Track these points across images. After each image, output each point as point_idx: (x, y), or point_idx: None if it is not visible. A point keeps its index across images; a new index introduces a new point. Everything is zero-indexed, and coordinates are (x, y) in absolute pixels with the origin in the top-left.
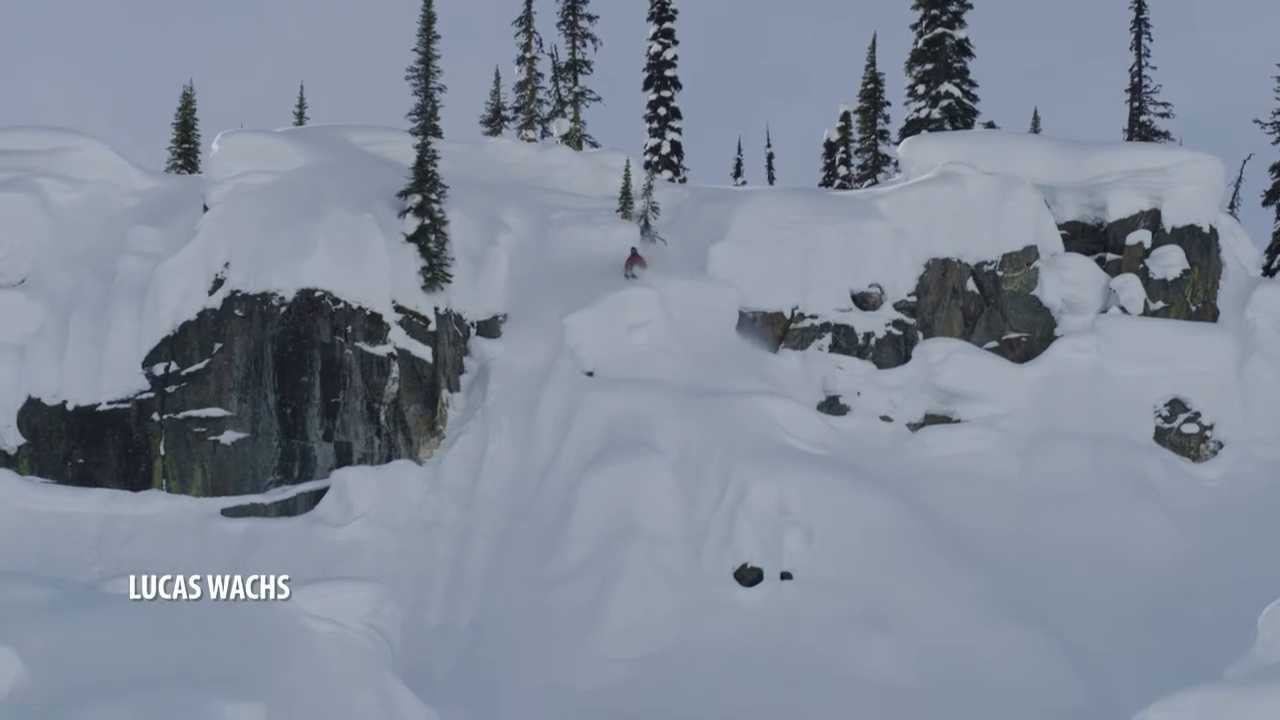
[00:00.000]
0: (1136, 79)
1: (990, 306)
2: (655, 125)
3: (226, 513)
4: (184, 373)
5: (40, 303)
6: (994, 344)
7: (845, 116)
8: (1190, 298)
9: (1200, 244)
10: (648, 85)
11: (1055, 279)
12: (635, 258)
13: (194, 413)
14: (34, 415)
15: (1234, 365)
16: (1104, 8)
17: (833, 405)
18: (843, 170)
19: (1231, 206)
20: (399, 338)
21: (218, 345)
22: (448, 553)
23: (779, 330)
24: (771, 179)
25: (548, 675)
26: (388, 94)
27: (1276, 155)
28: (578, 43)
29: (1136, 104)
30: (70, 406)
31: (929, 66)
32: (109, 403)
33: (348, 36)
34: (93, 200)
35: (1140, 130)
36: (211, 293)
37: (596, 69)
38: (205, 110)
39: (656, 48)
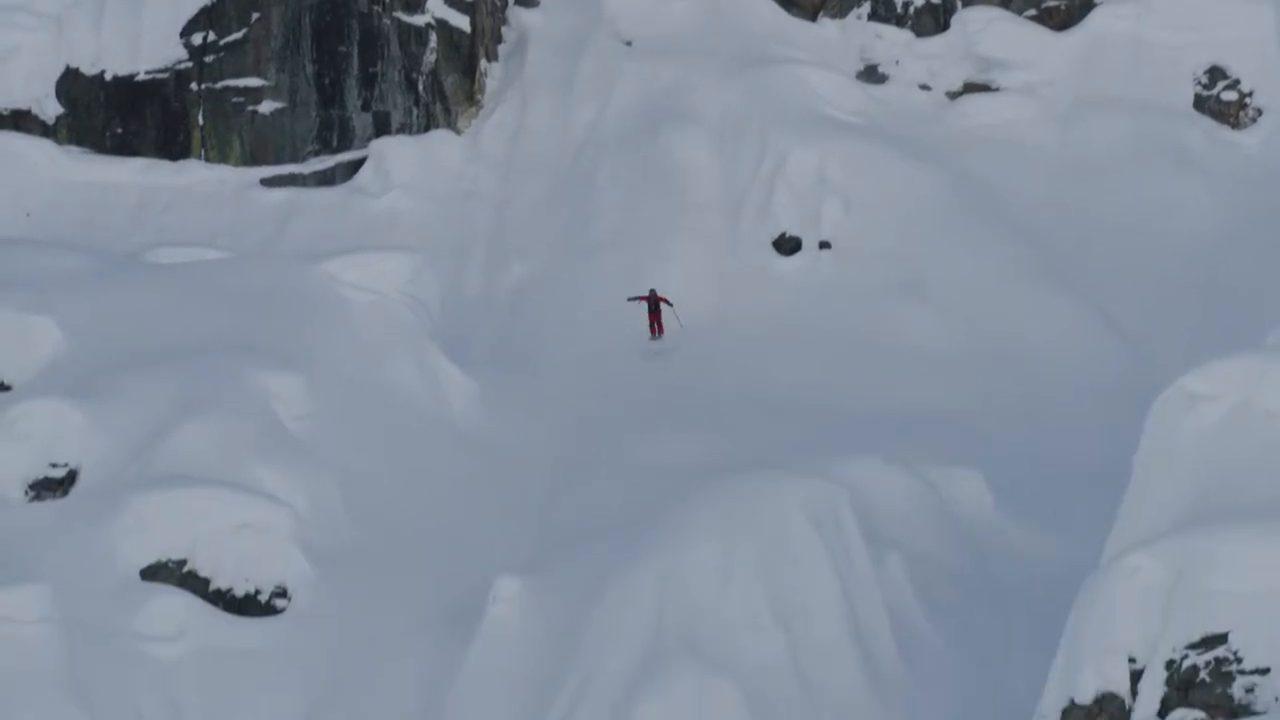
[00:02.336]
0: None
1: None
2: None
3: (265, 183)
4: (222, 42)
5: None
6: (1033, 12)
7: None
8: None
9: None
10: None
11: None
12: None
13: (232, 82)
14: (72, 85)
15: (1274, 32)
16: None
17: (871, 74)
18: None
19: None
20: (437, 7)
21: (255, 15)
22: (486, 222)
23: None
24: None
25: (586, 344)
26: None
27: None
28: None
29: None
30: (108, 76)
31: None
32: (147, 72)
33: None
34: None
35: None
36: None
37: None
38: None
39: None
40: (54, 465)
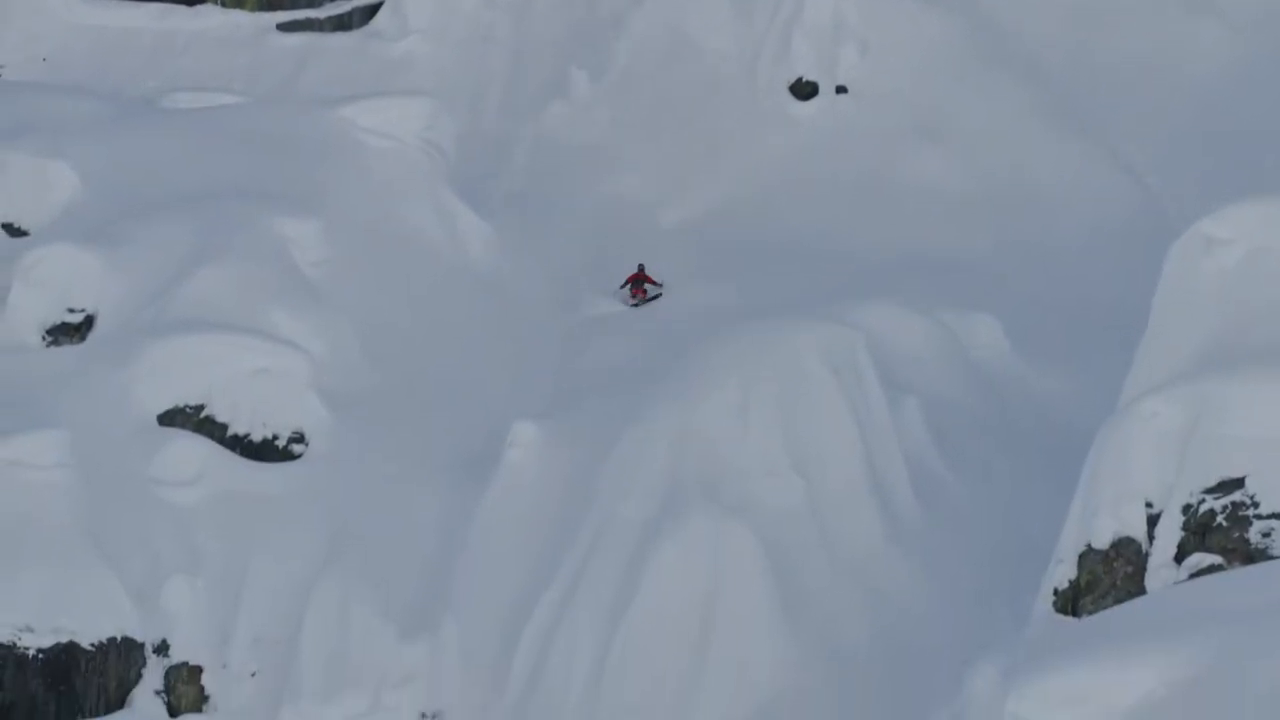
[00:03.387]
0: None
1: None
2: None
3: (281, 27)
4: None
5: None
6: None
7: None
8: None
9: None
10: None
11: None
12: None
13: None
14: None
15: None
16: None
17: None
18: None
19: None
20: None
21: None
22: (503, 67)
23: None
24: None
25: (604, 189)
26: None
27: None
28: None
29: None
30: None
31: None
32: None
33: None
34: None
35: None
36: None
37: None
38: None
39: None
40: (71, 311)
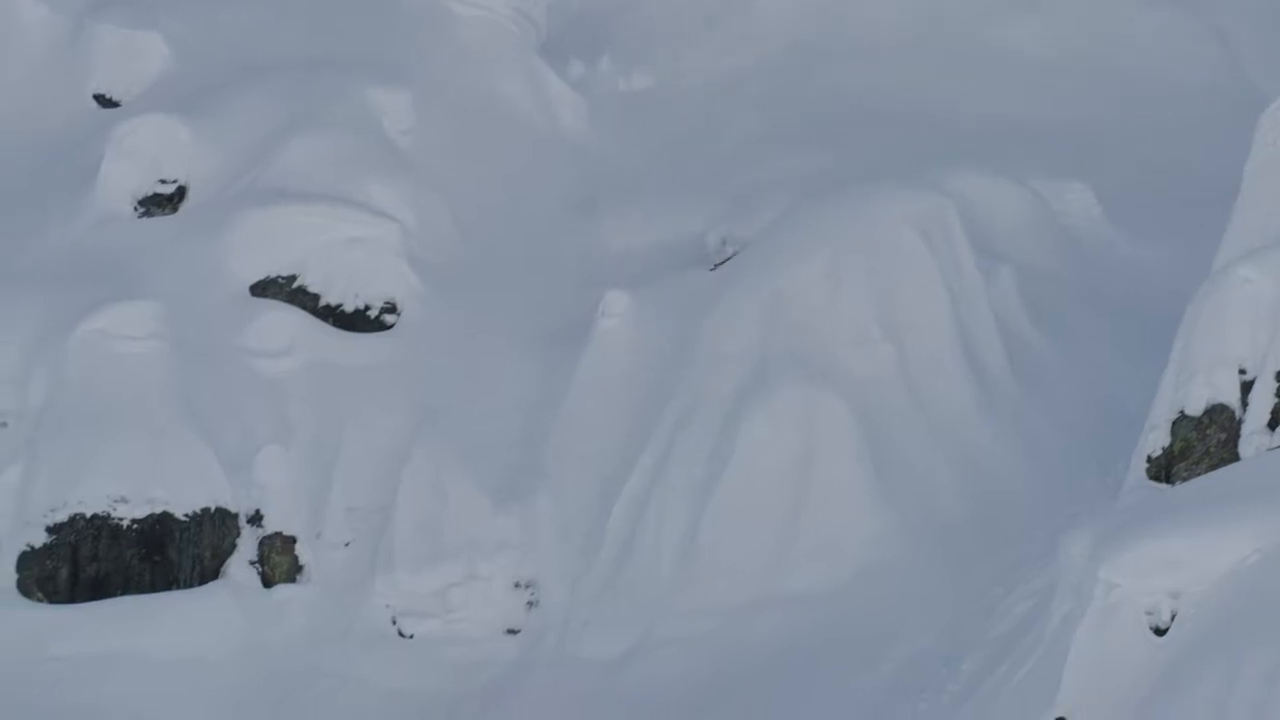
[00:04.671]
0: None
1: None
2: None
3: None
4: None
5: None
6: None
7: None
8: None
9: None
10: None
11: None
12: None
13: None
14: None
15: None
16: None
17: None
18: None
19: None
20: None
21: None
22: None
23: None
24: None
25: (697, 59)
26: None
27: None
28: None
29: None
30: None
31: None
32: None
33: None
34: None
35: None
36: None
37: None
38: None
39: None
40: (163, 182)
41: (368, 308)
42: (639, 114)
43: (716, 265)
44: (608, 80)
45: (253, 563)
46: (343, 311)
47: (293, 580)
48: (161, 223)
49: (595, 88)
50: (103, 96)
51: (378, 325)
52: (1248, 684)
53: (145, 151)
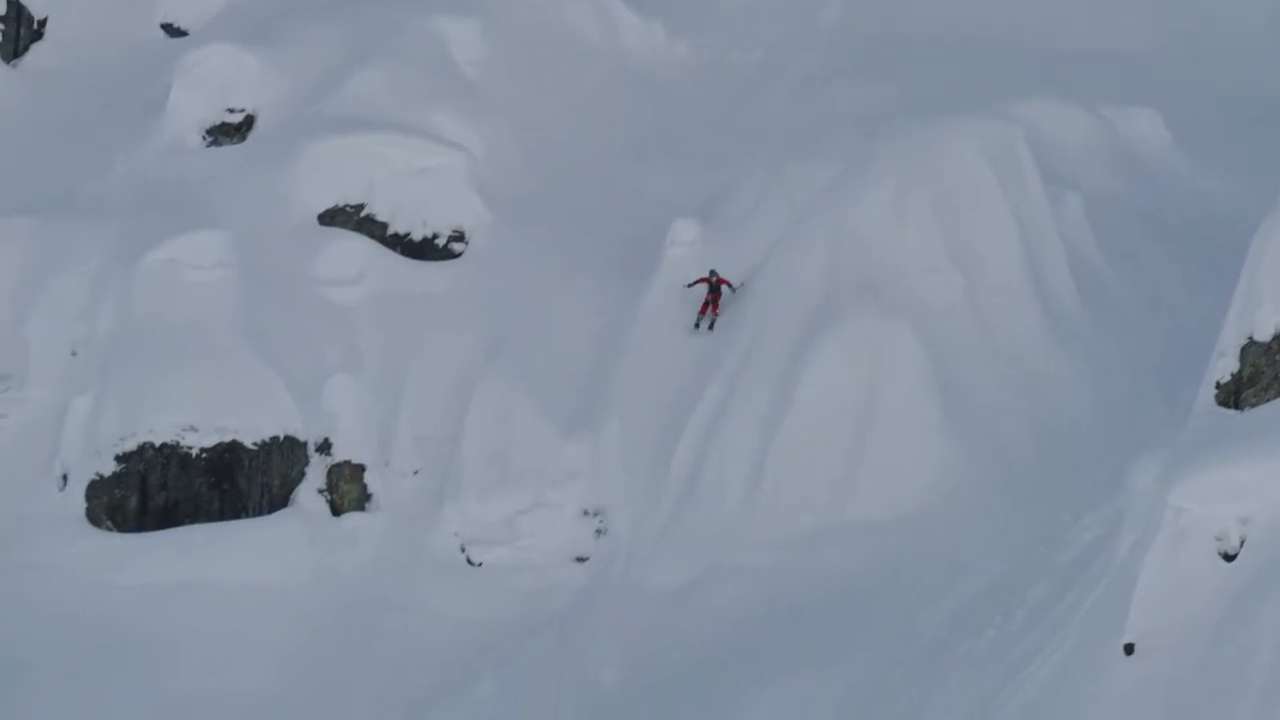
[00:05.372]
0: None
1: None
2: None
3: None
4: None
5: None
6: None
7: None
8: None
9: None
10: None
11: None
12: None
13: None
14: None
15: None
16: None
17: None
18: None
19: None
20: None
21: None
22: None
23: None
24: None
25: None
26: None
27: None
28: None
29: None
30: None
31: None
32: None
33: None
34: None
35: None
36: None
37: None
38: None
39: None
40: (231, 111)
41: (435, 236)
42: (705, 51)
43: (783, 197)
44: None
45: (321, 491)
46: (410, 240)
47: (361, 508)
48: (229, 152)
49: (663, 19)
50: (170, 25)
51: (446, 254)
52: None
53: (213, 80)
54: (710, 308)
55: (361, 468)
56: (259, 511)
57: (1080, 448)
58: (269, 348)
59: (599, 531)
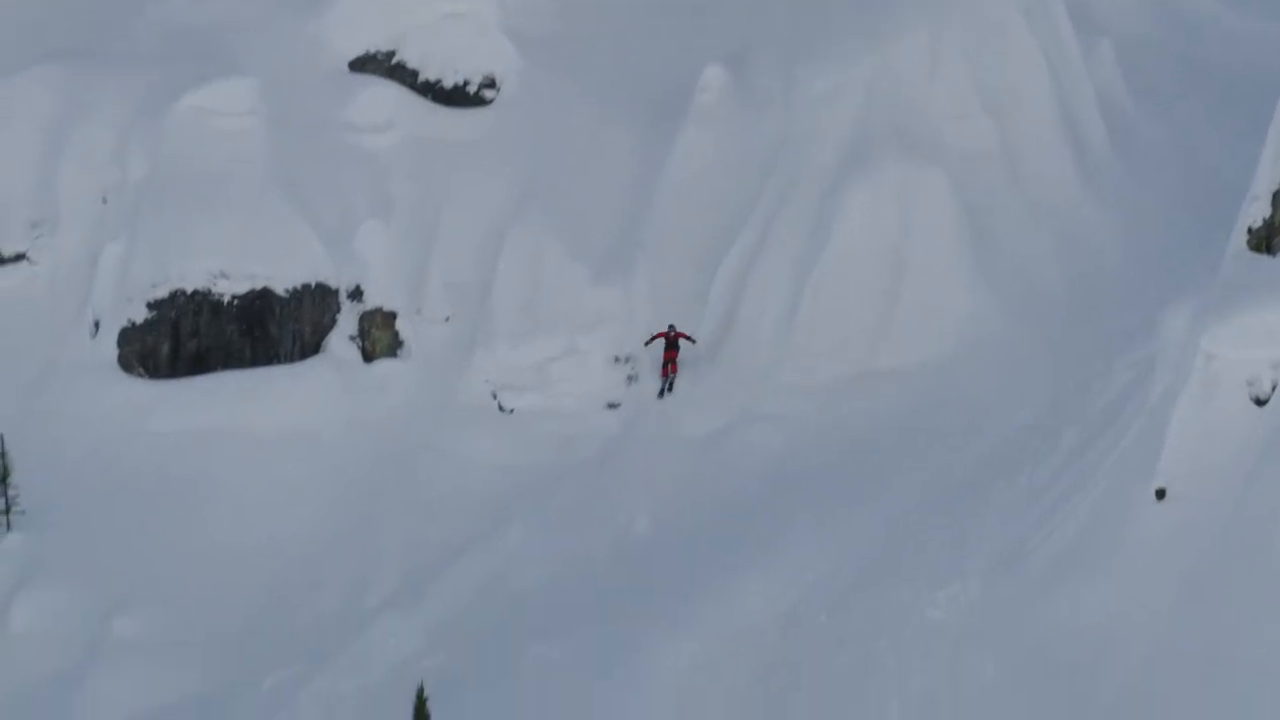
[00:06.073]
0: None
1: None
2: None
3: None
4: None
5: None
6: None
7: None
8: None
9: None
10: None
11: None
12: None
13: None
14: None
15: None
16: None
17: None
18: None
19: None
20: None
21: None
22: None
23: None
24: None
25: None
26: None
27: None
28: None
29: None
30: None
31: None
32: None
33: None
34: None
35: None
36: None
37: None
38: None
39: None
40: None
41: (466, 83)
42: None
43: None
44: None
45: (353, 338)
46: (441, 87)
47: (393, 355)
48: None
49: None
50: None
51: (477, 100)
52: None
53: None
54: (669, 368)
55: (393, 314)
56: (290, 359)
57: (1112, 293)
58: (300, 195)
59: (630, 378)
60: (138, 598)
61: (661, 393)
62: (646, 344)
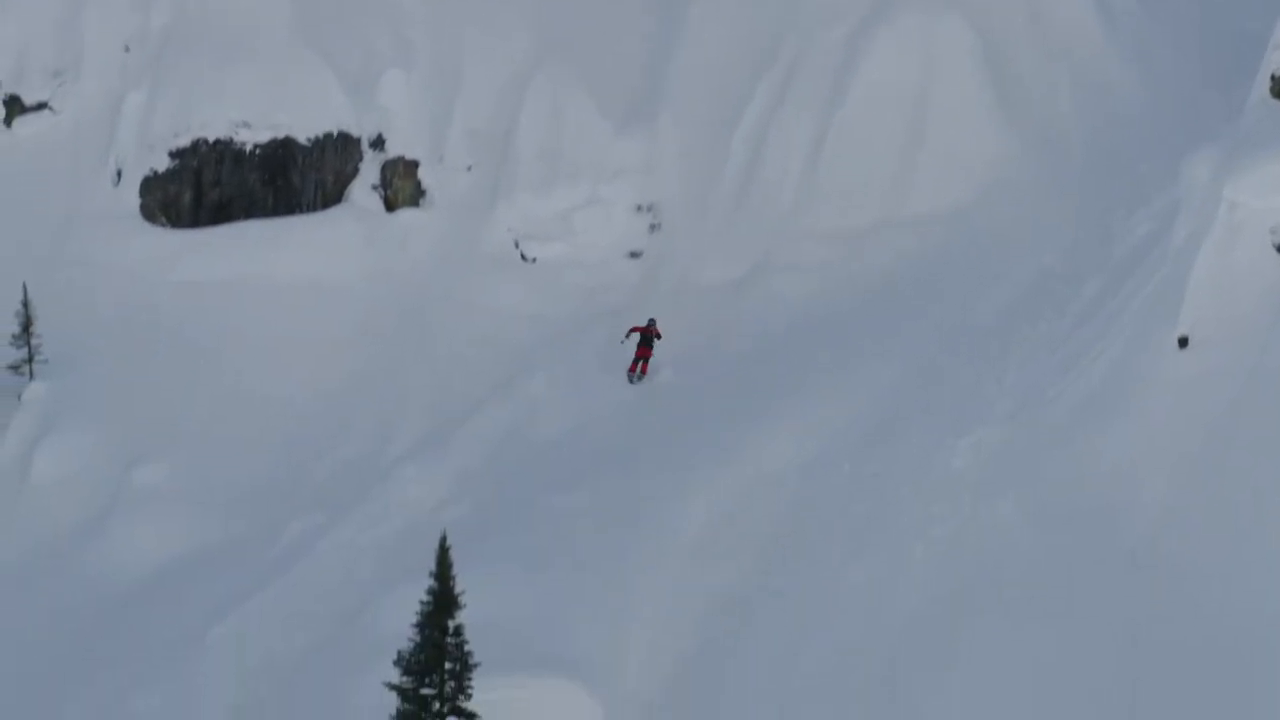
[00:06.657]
0: None
1: None
2: None
3: None
4: None
5: None
6: None
7: None
8: None
9: None
10: None
11: None
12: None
13: None
14: None
15: None
16: None
17: None
18: None
19: None
20: None
21: None
22: None
23: None
24: None
25: None
26: None
27: None
28: None
29: None
30: None
31: None
32: None
33: None
34: None
35: None
36: None
37: None
38: None
39: None
40: None
41: None
42: None
43: None
44: None
45: (375, 187)
46: None
47: (415, 204)
48: None
49: None
50: None
51: None
52: None
53: None
54: (641, 366)
55: (415, 163)
56: (313, 208)
57: (1134, 141)
58: (321, 43)
59: (653, 227)
60: (159, 447)
61: (631, 380)
62: (623, 340)
